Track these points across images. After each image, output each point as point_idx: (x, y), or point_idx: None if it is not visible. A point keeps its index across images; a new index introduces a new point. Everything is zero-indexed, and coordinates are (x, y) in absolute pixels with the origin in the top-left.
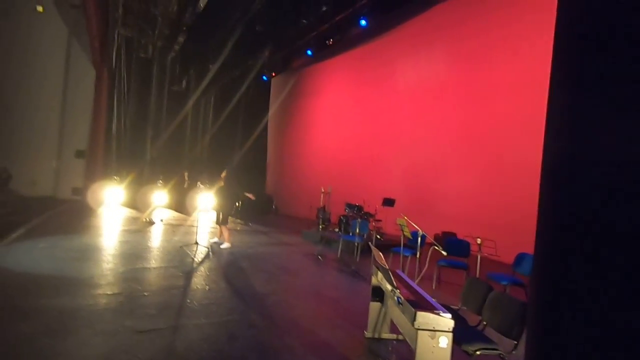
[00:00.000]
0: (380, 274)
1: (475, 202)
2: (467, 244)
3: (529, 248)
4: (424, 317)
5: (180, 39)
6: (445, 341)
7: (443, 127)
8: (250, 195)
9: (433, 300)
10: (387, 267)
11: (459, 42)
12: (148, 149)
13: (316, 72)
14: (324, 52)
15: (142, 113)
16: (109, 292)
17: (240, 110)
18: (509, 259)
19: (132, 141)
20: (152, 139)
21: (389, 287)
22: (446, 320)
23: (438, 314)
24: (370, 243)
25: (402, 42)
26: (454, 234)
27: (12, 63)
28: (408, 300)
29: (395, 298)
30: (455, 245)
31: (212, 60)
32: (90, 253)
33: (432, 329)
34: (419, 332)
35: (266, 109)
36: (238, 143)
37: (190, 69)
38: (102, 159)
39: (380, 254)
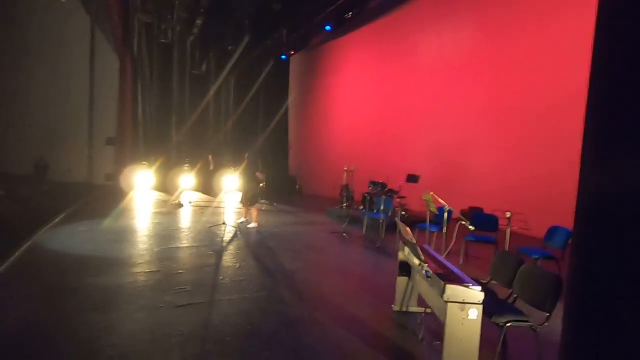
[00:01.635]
0: (406, 249)
1: (503, 177)
2: (496, 218)
3: (561, 221)
4: (453, 290)
5: (198, 22)
6: (475, 313)
7: (468, 100)
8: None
9: (462, 273)
10: (414, 241)
11: (484, 10)
12: (173, 133)
13: (336, 48)
14: (343, 27)
15: (166, 98)
16: (146, 270)
17: (261, 91)
18: (540, 233)
19: (158, 126)
20: (177, 123)
21: (416, 261)
22: (476, 293)
23: (467, 287)
24: (396, 218)
25: (424, 12)
26: (480, 209)
27: (40, 56)
28: (436, 274)
29: (424, 272)
30: (483, 220)
31: (231, 42)
32: (126, 235)
33: (462, 301)
34: (448, 304)
35: (286, 88)
36: (260, 124)
37: (209, 52)
38: (130, 144)
39: (407, 228)
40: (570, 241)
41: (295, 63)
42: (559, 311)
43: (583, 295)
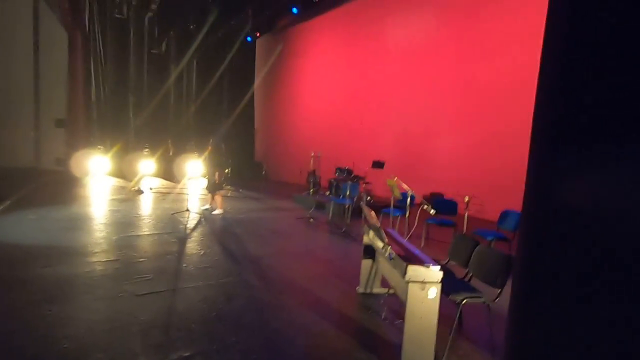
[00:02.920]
0: (371, 233)
1: (463, 164)
2: (455, 203)
3: (513, 205)
4: (415, 270)
5: None
6: (434, 292)
7: (433, 88)
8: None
9: (423, 255)
10: (379, 224)
11: None
12: (131, 116)
13: (303, 31)
14: (310, 9)
15: (122, 79)
16: (104, 260)
17: (225, 74)
18: (495, 216)
19: (114, 108)
20: (135, 106)
21: (380, 244)
22: (435, 273)
23: (427, 267)
24: (362, 203)
25: None
26: (441, 195)
27: None
28: (399, 256)
29: (387, 254)
30: (443, 205)
31: (193, 20)
32: (80, 223)
33: (422, 281)
34: (410, 284)
35: (252, 72)
36: (225, 108)
37: (170, 31)
38: (83, 127)
39: (372, 212)
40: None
41: (262, 46)
42: (509, 287)
43: (529, 272)
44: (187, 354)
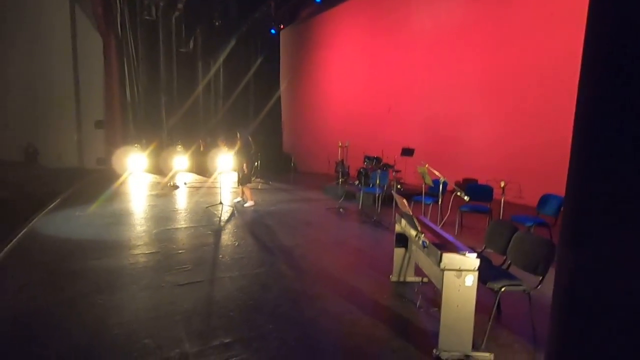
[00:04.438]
0: (403, 221)
1: (497, 148)
2: (490, 189)
3: (553, 189)
4: (450, 258)
5: None
6: (471, 279)
7: (463, 72)
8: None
9: (457, 242)
10: (411, 212)
11: None
12: (163, 114)
13: (326, 21)
14: None
15: (154, 78)
16: (146, 252)
17: (251, 67)
18: (533, 201)
19: (147, 107)
20: (167, 104)
21: (413, 232)
22: (471, 260)
23: (463, 255)
24: (393, 191)
25: None
26: (475, 180)
27: (19, 41)
28: (433, 244)
29: (421, 242)
30: (477, 191)
31: (217, 17)
32: (123, 218)
33: (458, 269)
34: (445, 272)
35: (277, 64)
36: (252, 102)
37: (196, 29)
38: (120, 127)
39: (404, 200)
40: (562, 208)
41: (286, 38)
42: (551, 275)
43: (573, 258)
44: (227, 341)
